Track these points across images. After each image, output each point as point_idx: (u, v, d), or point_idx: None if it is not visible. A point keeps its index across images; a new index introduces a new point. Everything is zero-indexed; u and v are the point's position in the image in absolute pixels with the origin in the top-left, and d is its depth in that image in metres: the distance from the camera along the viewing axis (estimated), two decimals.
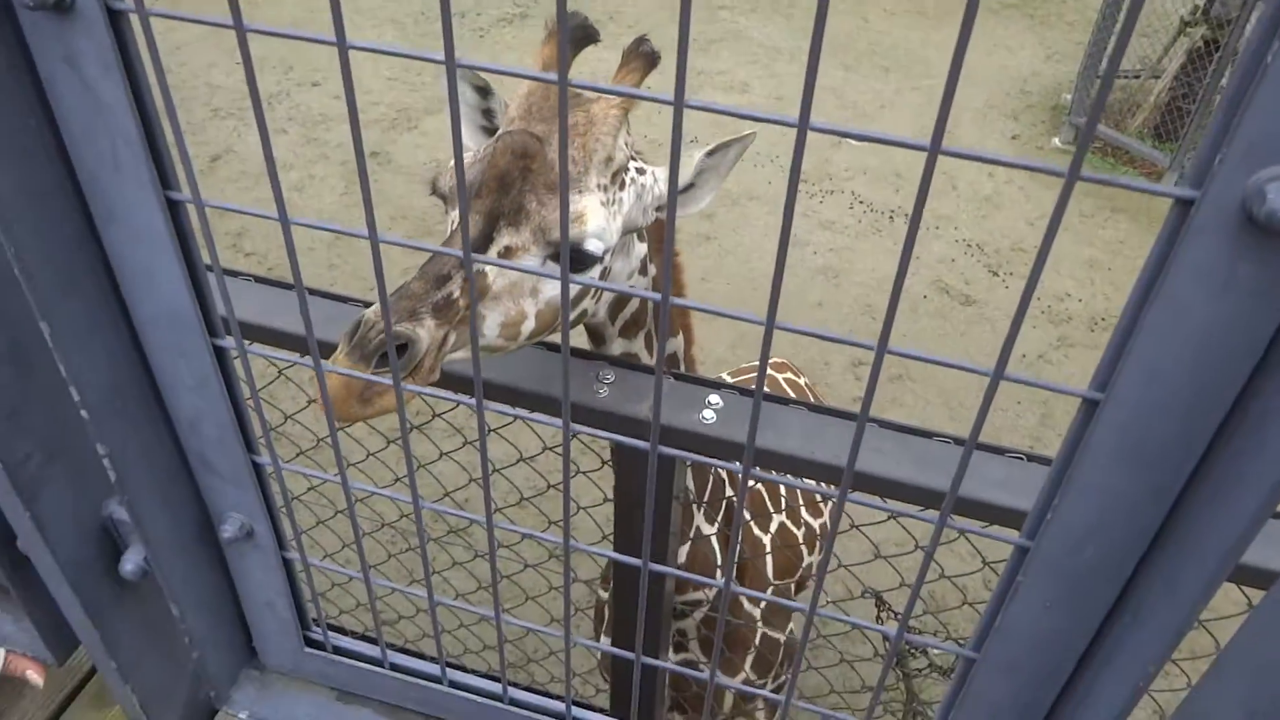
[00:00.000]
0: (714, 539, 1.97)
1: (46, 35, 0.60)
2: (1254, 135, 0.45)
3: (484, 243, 1.18)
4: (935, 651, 2.72)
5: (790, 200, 0.55)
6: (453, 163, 1.29)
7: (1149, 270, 0.54)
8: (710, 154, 1.34)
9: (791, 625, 2.48)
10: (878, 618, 2.68)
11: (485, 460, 0.69)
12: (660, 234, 1.62)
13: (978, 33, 9.12)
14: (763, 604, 2.26)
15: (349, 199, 6.52)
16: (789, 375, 3.14)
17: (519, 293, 1.21)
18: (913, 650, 3.13)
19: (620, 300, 1.49)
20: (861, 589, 2.47)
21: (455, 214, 1.26)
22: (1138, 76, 7.83)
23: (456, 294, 1.13)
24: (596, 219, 1.23)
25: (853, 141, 7.41)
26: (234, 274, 1.63)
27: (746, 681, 2.30)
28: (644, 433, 1.49)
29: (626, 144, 1.32)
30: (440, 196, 1.30)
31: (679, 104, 0.53)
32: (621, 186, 1.31)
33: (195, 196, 0.67)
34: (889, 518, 1.14)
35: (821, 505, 2.58)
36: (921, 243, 6.48)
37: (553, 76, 0.55)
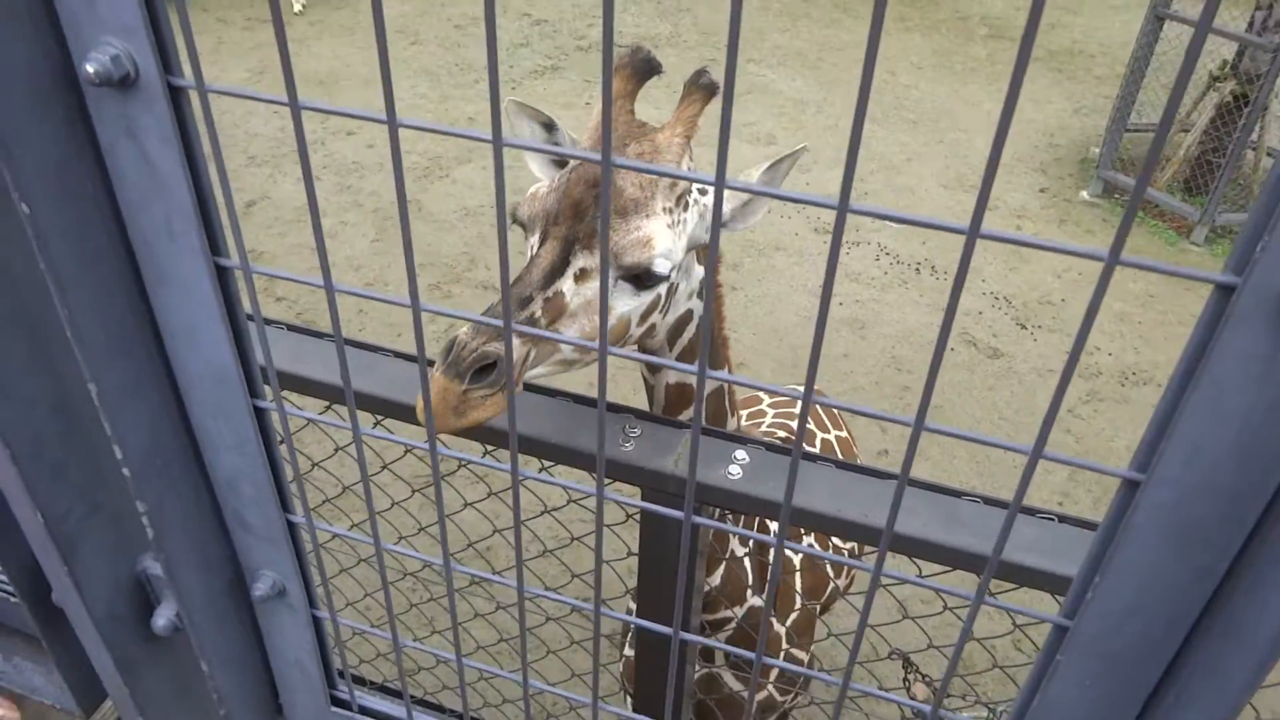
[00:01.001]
0: (747, 560, 1.96)
1: (109, 109, 0.63)
2: None
3: (562, 265, 1.28)
4: (967, 716, 2.67)
5: (828, 286, 0.56)
6: (531, 190, 1.39)
7: (1190, 353, 0.54)
8: (767, 170, 1.45)
9: (812, 651, 2.45)
10: (904, 679, 2.63)
11: (519, 539, 0.69)
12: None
13: (1004, 87, 9.18)
14: (789, 622, 2.24)
15: (380, 245, 6.62)
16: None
17: (592, 310, 1.30)
18: None
19: (679, 324, 1.55)
20: (889, 650, 2.43)
21: (534, 239, 1.35)
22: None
23: (538, 313, 1.25)
24: (663, 241, 1.32)
25: (882, 198, 7.43)
26: (268, 322, 1.66)
27: (769, 698, 2.27)
28: (670, 485, 1.49)
29: (689, 168, 1.41)
30: (520, 225, 1.39)
31: (720, 185, 0.54)
32: (685, 208, 1.40)
33: (244, 264, 0.68)
34: (904, 580, 1.12)
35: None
36: (947, 293, 6.47)
37: (596, 156, 0.56)
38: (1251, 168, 7.29)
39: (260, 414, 0.78)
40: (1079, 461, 0.58)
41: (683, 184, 1.38)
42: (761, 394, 3.13)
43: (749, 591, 2.00)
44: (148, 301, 0.72)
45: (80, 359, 0.68)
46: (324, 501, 2.65)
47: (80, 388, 0.71)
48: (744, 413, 3.05)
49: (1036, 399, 5.63)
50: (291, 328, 1.67)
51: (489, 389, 1.16)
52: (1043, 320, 6.34)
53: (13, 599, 0.95)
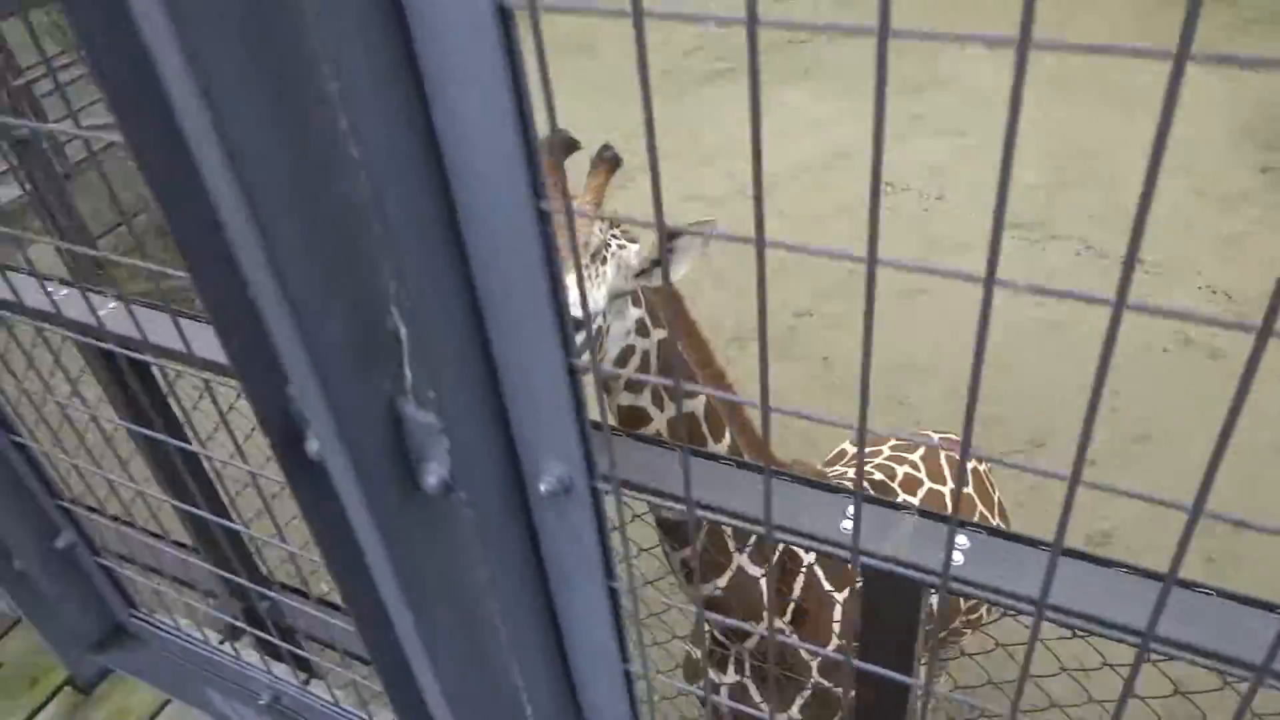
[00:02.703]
0: (763, 582, 2.08)
1: (550, 510, 0.79)
2: None
3: None
4: None
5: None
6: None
7: None
8: (670, 236, 1.64)
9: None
10: None
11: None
12: (673, 309, 1.86)
13: (1217, 52, 8.42)
14: (821, 656, 2.29)
15: None
16: (955, 455, 3.01)
17: None
18: None
19: (622, 358, 1.80)
20: None
21: None
22: None
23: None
24: (572, 291, 1.59)
25: (1084, 190, 7.02)
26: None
27: None
28: (890, 571, 1.49)
29: (601, 229, 1.67)
30: None
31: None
32: (603, 262, 1.65)
33: (634, 605, 0.84)
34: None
35: None
36: (1159, 290, 6.09)
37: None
38: None
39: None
40: None
41: (596, 242, 1.64)
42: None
43: (763, 610, 2.11)
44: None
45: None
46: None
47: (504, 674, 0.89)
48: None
49: (1263, 404, 5.24)
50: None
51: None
52: None
53: None
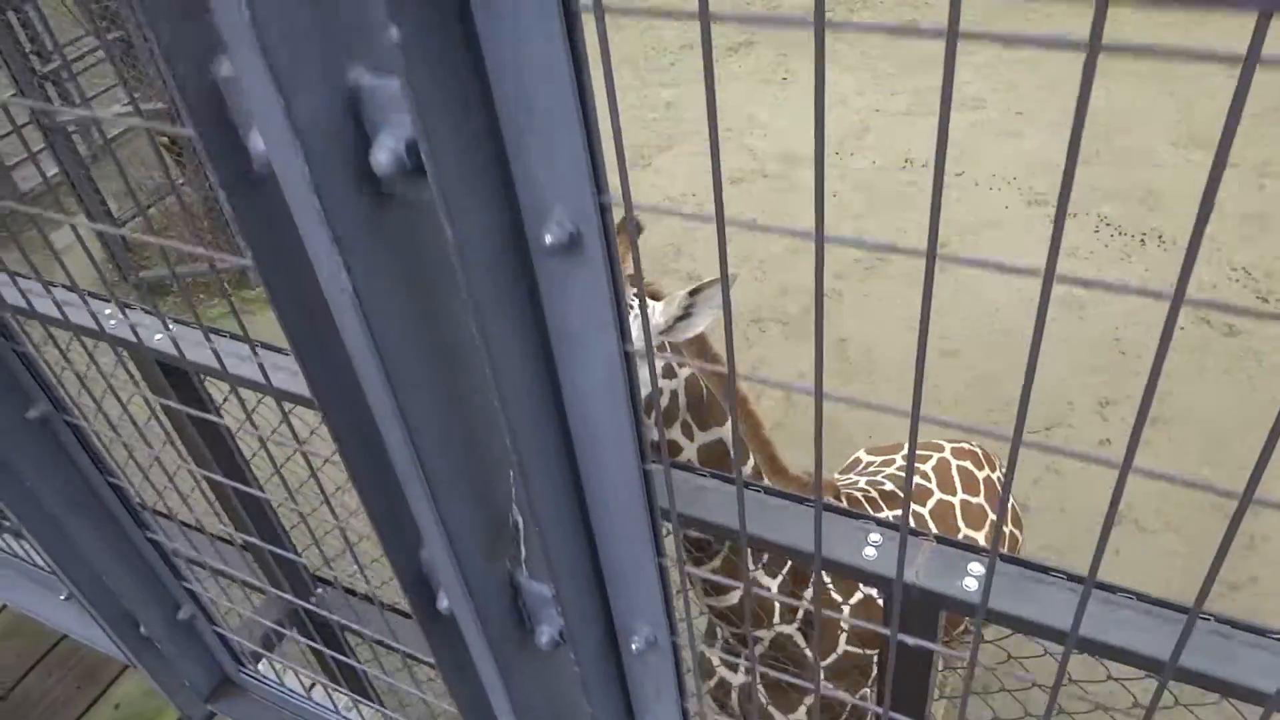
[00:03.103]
0: (777, 595, 2.22)
1: (638, 661, 0.93)
2: None
3: None
4: None
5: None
6: None
7: None
8: (691, 294, 1.68)
9: (867, 690, 2.49)
10: None
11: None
12: (697, 347, 1.93)
13: (1251, 22, 8.31)
14: (827, 662, 2.38)
15: None
16: (966, 465, 3.02)
17: None
18: None
19: (647, 400, 1.86)
20: None
21: None
22: None
23: None
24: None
25: (1103, 164, 7.02)
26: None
27: None
28: (912, 595, 1.56)
29: (632, 292, 1.71)
30: None
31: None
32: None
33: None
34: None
35: None
36: (1175, 266, 6.14)
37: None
38: None
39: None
40: None
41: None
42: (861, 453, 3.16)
43: (776, 616, 2.24)
44: None
45: None
46: None
47: None
48: (874, 458, 3.07)
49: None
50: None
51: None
52: None
53: None
